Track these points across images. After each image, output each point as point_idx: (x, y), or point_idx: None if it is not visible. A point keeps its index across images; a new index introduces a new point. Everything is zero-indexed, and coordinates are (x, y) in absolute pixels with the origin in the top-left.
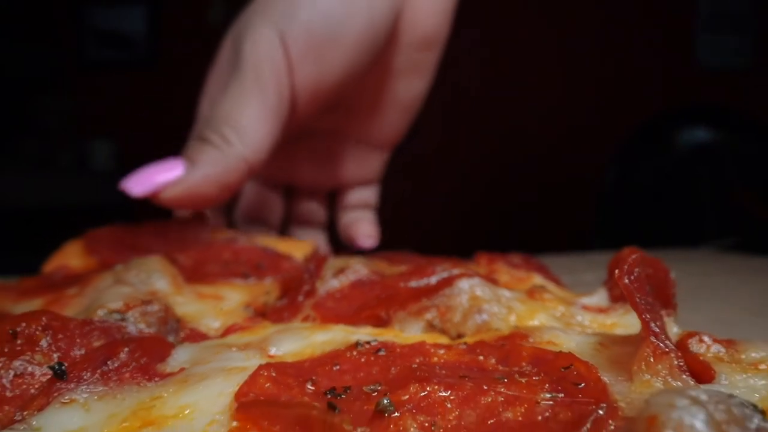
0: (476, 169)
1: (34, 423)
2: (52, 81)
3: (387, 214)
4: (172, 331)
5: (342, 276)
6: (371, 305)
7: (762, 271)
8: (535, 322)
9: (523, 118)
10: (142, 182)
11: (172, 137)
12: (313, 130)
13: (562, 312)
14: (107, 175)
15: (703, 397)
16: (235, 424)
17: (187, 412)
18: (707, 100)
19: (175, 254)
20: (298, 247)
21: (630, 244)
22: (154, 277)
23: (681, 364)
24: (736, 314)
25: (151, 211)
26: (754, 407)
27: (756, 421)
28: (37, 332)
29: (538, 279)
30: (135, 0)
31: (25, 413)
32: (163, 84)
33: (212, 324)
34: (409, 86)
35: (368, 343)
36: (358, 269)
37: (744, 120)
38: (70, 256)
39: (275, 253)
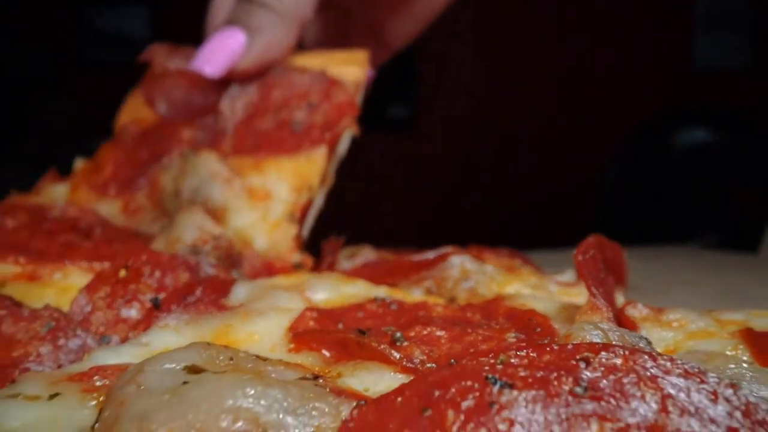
0: (478, 170)
1: (143, 341)
2: (54, 81)
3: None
4: (235, 263)
5: (354, 259)
6: (380, 275)
7: (731, 265)
8: (512, 290)
9: (525, 119)
10: (212, 61)
11: None
12: (334, 3)
13: (535, 283)
14: None
15: (605, 326)
16: (291, 346)
17: (255, 337)
18: (706, 100)
19: (223, 105)
20: (353, 58)
21: (628, 242)
22: (208, 188)
23: (610, 316)
24: (699, 301)
25: None
26: (645, 338)
27: (641, 344)
28: (141, 266)
29: (523, 267)
30: (136, 1)
31: (135, 332)
32: None
33: (262, 243)
34: (430, 2)
35: (384, 299)
36: (367, 254)
37: (743, 120)
38: (132, 111)
39: (326, 81)
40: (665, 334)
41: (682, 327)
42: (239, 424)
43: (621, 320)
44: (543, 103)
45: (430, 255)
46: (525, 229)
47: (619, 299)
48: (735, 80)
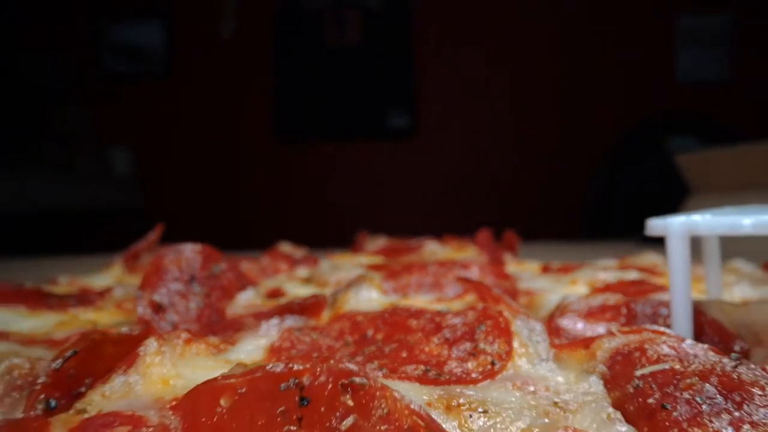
0: (473, 173)
1: (296, 273)
2: (73, 91)
3: (401, 210)
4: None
5: (374, 244)
6: (388, 253)
7: (634, 252)
8: (455, 257)
9: (518, 126)
10: None
11: (186, 144)
12: None
13: (469, 255)
14: (125, 180)
15: (481, 258)
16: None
17: (347, 263)
18: (687, 109)
19: None
20: None
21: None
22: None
23: (486, 260)
24: None
25: (167, 213)
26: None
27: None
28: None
29: (471, 246)
30: (150, 15)
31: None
32: (177, 95)
33: None
34: None
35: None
36: (382, 241)
37: (720, 128)
38: None
39: None
40: (510, 268)
41: (524, 266)
42: (353, 273)
43: (502, 265)
44: (536, 110)
45: (415, 243)
46: (514, 225)
47: (508, 259)
48: (715, 91)
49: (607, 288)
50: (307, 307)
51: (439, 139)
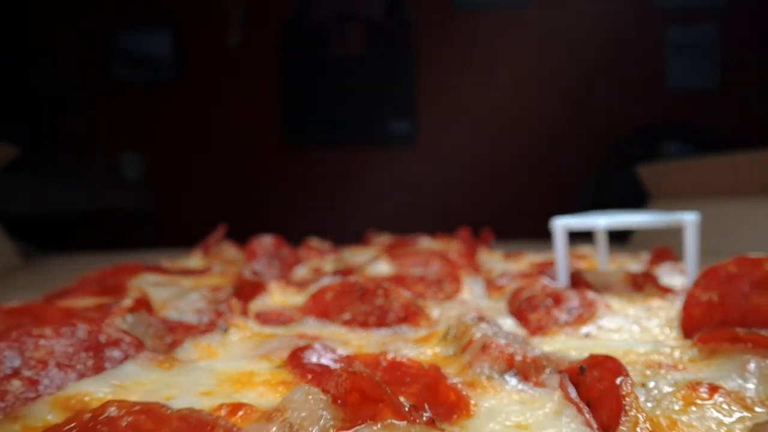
0: (471, 177)
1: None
2: (86, 98)
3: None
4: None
5: (381, 239)
6: (392, 247)
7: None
8: (444, 248)
9: (516, 133)
10: None
11: (195, 149)
12: None
13: (453, 247)
14: (135, 184)
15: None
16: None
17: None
18: (677, 117)
19: None
20: None
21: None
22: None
23: (463, 248)
24: None
25: (175, 216)
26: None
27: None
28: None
29: (457, 241)
30: (160, 24)
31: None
32: (186, 101)
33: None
34: None
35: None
36: (386, 238)
37: (707, 135)
38: None
39: None
40: (482, 256)
41: (493, 254)
42: (368, 257)
43: (475, 253)
44: (533, 119)
45: (412, 238)
46: (506, 224)
47: (483, 250)
48: (703, 100)
49: (537, 264)
50: (344, 272)
51: (438, 145)
